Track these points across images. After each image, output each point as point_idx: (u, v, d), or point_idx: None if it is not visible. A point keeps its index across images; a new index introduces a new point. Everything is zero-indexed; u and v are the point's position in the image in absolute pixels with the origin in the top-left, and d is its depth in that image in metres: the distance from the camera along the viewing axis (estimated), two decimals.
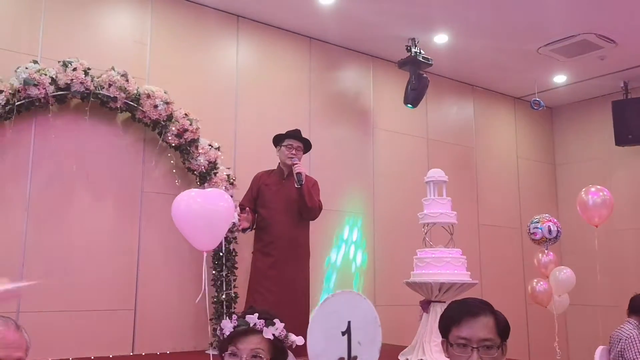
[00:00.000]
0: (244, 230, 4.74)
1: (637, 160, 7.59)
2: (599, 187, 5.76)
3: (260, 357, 1.96)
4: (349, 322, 1.40)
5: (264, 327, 1.98)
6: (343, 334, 1.40)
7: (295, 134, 4.83)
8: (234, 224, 4.53)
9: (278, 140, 4.84)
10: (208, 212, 3.35)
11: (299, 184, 4.57)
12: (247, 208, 4.69)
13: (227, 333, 1.99)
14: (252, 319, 1.99)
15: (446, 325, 2.03)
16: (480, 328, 1.95)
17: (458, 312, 2.02)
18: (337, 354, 1.39)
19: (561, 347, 5.75)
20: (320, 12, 5.73)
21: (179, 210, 3.39)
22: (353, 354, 1.39)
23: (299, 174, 4.57)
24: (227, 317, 2.08)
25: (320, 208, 4.79)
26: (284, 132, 4.89)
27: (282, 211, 4.63)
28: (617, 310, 5.06)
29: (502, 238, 7.61)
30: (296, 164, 4.64)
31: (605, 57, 6.67)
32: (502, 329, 1.99)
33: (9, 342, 1.75)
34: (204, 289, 3.51)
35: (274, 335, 1.98)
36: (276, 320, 2.01)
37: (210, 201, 3.38)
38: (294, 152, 4.74)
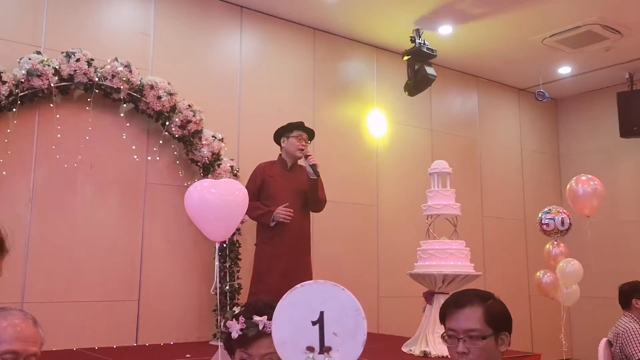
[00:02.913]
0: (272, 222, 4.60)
1: None
2: (589, 176, 5.67)
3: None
4: (322, 313, 1.38)
5: (272, 330, 1.90)
6: (314, 324, 1.38)
7: (303, 125, 4.79)
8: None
9: (284, 131, 4.78)
10: (224, 203, 3.34)
11: (315, 175, 4.52)
12: (287, 203, 4.59)
13: (235, 336, 1.88)
14: (261, 321, 1.88)
15: (441, 318, 2.09)
16: (465, 319, 1.97)
17: (448, 304, 2.07)
18: (305, 343, 1.37)
19: (565, 339, 5.74)
20: (324, 2, 5.70)
21: (192, 200, 3.37)
22: (327, 344, 1.37)
23: (314, 165, 4.52)
24: (231, 309, 2.00)
25: (326, 201, 4.79)
26: (288, 123, 4.86)
27: (289, 203, 4.57)
28: None
29: (506, 230, 7.60)
30: (310, 155, 4.59)
31: (611, 48, 6.63)
32: (494, 319, 1.98)
33: (27, 337, 1.76)
34: (216, 279, 3.51)
35: None
36: None
37: (225, 192, 3.37)
38: (304, 143, 4.69)
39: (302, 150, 4.64)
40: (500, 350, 2.00)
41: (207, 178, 5.08)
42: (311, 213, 4.85)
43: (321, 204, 4.72)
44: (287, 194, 4.61)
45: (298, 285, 1.35)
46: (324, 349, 1.34)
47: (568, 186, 5.70)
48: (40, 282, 4.46)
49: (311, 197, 4.63)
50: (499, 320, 1.99)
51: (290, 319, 1.37)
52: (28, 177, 4.53)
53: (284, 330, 1.37)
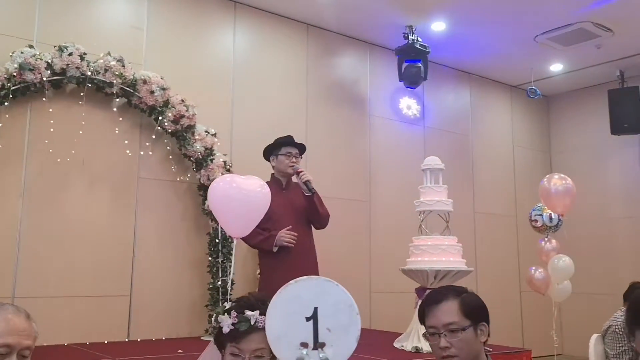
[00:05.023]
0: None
1: (633, 149, 7.61)
2: (562, 175, 5.65)
3: (263, 356, 1.85)
4: (316, 308, 1.39)
5: (266, 325, 1.81)
6: (308, 319, 1.38)
7: (291, 141, 4.47)
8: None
9: (272, 149, 4.44)
10: (246, 198, 3.36)
11: (309, 192, 4.24)
12: (290, 225, 4.24)
13: (227, 330, 1.87)
14: (253, 316, 1.86)
15: (420, 318, 2.11)
16: (442, 314, 2.00)
17: (424, 304, 2.09)
18: (299, 338, 1.37)
19: (556, 335, 5.79)
20: None
21: (216, 194, 3.39)
22: (321, 340, 1.38)
23: (308, 182, 4.23)
24: (224, 303, 1.99)
25: (329, 215, 4.48)
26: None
27: (291, 222, 4.26)
28: (611, 298, 5.08)
29: (498, 226, 7.63)
30: (301, 171, 4.28)
31: (602, 45, 6.66)
32: (470, 310, 2.01)
33: (20, 330, 1.76)
34: (230, 275, 3.48)
35: None
36: None
37: (248, 187, 3.39)
38: (293, 159, 4.36)
39: (293, 166, 4.34)
40: (481, 341, 2.03)
41: (200, 173, 5.07)
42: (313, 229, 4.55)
43: (323, 219, 4.43)
44: (287, 215, 4.28)
45: (292, 281, 1.35)
46: (318, 345, 1.34)
47: (540, 185, 5.66)
48: (31, 277, 4.44)
49: (311, 214, 4.36)
50: (475, 311, 2.03)
51: (284, 314, 1.37)
52: (20, 171, 4.51)
53: (278, 325, 1.38)
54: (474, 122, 7.69)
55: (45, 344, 4.19)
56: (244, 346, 1.86)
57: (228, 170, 5.13)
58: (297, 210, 4.34)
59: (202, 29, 5.56)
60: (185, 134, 5.04)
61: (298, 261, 4.23)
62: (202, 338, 4.91)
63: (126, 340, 4.77)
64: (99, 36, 4.94)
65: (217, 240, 5.03)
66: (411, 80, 6.31)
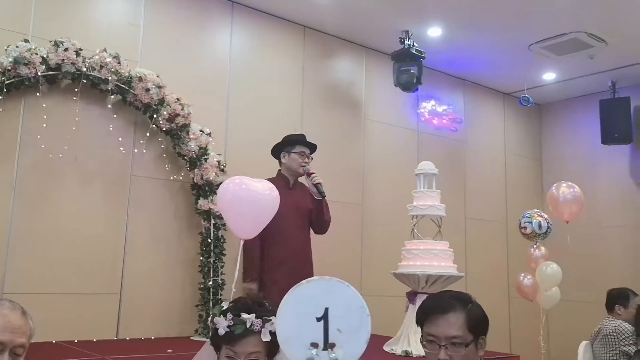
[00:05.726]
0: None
1: (623, 159, 7.67)
2: (570, 183, 5.81)
3: (258, 359, 1.87)
4: (327, 309, 1.39)
5: (262, 328, 1.87)
6: (319, 319, 1.39)
7: (304, 140, 4.41)
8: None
9: (284, 145, 4.40)
10: (255, 200, 3.37)
11: (320, 195, 4.20)
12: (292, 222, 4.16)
13: (222, 332, 1.88)
14: (249, 319, 1.87)
15: (419, 321, 2.04)
16: (448, 325, 1.92)
17: (429, 308, 2.02)
18: (309, 338, 1.38)
19: (543, 341, 5.83)
20: (315, 1, 5.70)
21: (225, 196, 3.39)
22: (331, 341, 1.38)
23: (319, 184, 4.20)
24: (214, 305, 1.99)
25: (330, 222, 4.44)
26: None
27: (295, 224, 4.22)
28: (599, 306, 5.13)
29: (488, 232, 7.66)
30: (313, 172, 4.24)
31: (595, 56, 6.71)
32: (475, 325, 1.95)
33: (15, 327, 1.74)
34: (236, 276, 3.48)
35: (270, 332, 1.87)
36: (272, 317, 1.87)
37: (257, 189, 3.40)
38: (307, 160, 4.33)
39: (305, 167, 4.31)
40: (479, 355, 1.99)
41: (194, 172, 5.05)
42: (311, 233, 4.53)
43: (326, 225, 4.41)
44: (291, 216, 4.19)
45: (304, 281, 1.35)
46: (328, 345, 1.34)
47: (548, 192, 5.80)
48: (21, 273, 4.39)
49: (316, 218, 4.33)
50: (479, 325, 1.98)
51: (295, 314, 1.37)
52: (12, 166, 4.46)
53: (289, 325, 1.37)
54: (467, 128, 7.72)
55: (33, 341, 4.14)
56: (239, 349, 1.86)
57: (222, 170, 5.11)
58: (302, 212, 4.31)
59: (200, 28, 5.54)
60: (179, 133, 5.01)
61: (296, 265, 4.25)
62: (191, 338, 4.88)
63: (115, 338, 4.74)
64: (95, 32, 4.90)
65: (209, 240, 5.00)
66: (405, 85, 6.32)
